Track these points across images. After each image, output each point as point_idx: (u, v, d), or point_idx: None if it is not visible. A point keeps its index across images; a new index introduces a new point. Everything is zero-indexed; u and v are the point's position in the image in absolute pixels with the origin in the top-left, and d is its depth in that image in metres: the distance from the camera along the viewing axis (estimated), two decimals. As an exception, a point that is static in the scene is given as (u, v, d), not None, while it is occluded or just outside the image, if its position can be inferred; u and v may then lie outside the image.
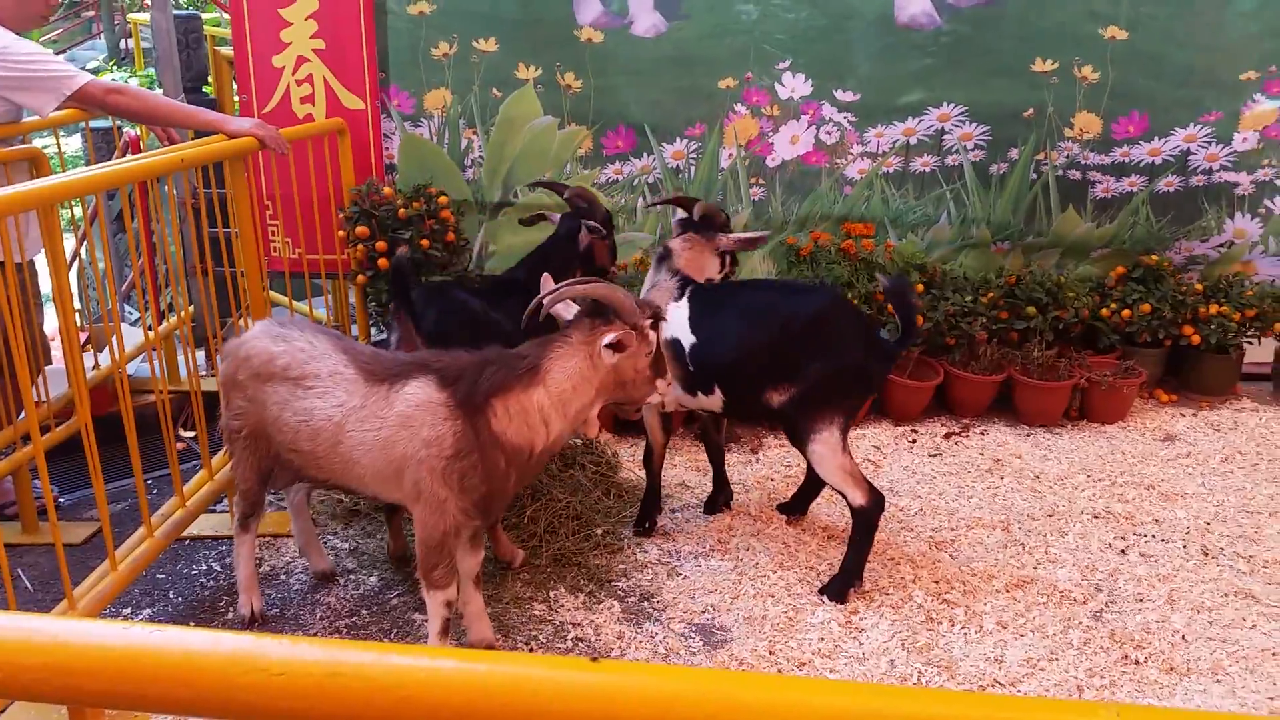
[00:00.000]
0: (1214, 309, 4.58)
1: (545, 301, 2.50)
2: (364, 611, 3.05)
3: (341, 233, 4.19)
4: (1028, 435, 4.38)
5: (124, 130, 4.94)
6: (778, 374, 3.04)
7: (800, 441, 3.07)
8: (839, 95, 4.52)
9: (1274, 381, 4.91)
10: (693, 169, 4.62)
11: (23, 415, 3.14)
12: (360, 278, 4.18)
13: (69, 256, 4.48)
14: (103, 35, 14.09)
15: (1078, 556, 3.37)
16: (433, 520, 2.48)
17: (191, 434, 4.37)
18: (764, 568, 3.28)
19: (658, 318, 2.55)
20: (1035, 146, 4.61)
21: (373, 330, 4.40)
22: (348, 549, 3.39)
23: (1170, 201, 4.70)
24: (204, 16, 7.72)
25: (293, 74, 4.31)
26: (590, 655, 2.77)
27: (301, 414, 2.55)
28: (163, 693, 0.75)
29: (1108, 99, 4.51)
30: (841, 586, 3.09)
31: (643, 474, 3.59)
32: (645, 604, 3.08)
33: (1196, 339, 4.59)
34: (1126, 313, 4.60)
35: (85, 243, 4.67)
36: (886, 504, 3.16)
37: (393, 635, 2.94)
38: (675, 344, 3.20)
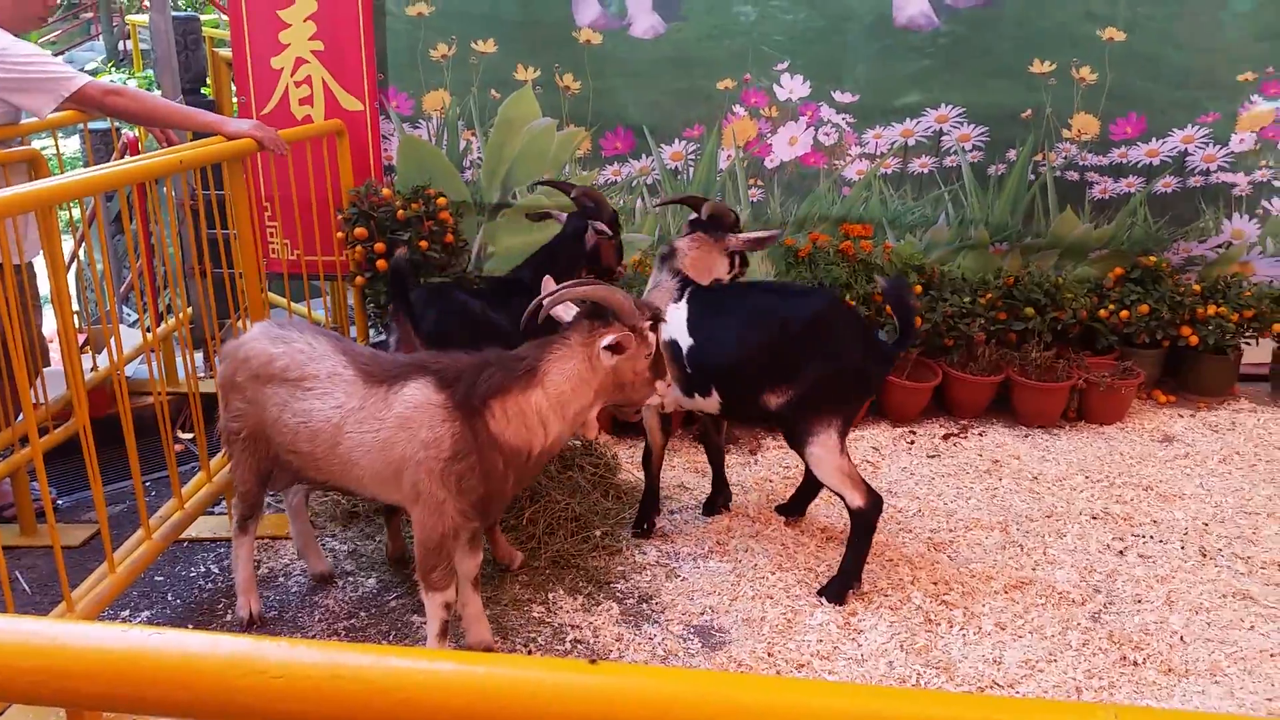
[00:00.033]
0: (1212, 310, 4.58)
1: (545, 303, 2.50)
2: (362, 613, 3.05)
3: (340, 234, 4.19)
4: (1026, 436, 4.38)
5: (122, 132, 4.94)
6: (775, 376, 3.04)
7: (798, 444, 3.07)
8: (837, 96, 4.53)
9: (1272, 382, 4.91)
10: (691, 170, 4.63)
11: (21, 417, 3.13)
12: (359, 279, 4.18)
13: (67, 258, 4.48)
14: (101, 36, 14.09)
15: (1076, 558, 3.37)
16: (431, 522, 2.48)
17: (190, 436, 4.37)
18: (762, 569, 3.28)
19: (657, 319, 2.55)
20: (1033, 148, 4.61)
21: (371, 331, 4.40)
22: (346, 551, 3.39)
23: (1168, 202, 4.71)
24: (202, 18, 7.72)
25: (291, 75, 4.31)
26: (589, 657, 2.77)
27: (300, 415, 2.55)
28: (161, 695, 0.75)
29: (1105, 100, 4.52)
30: (840, 588, 3.09)
31: (641, 476, 3.59)
32: (644, 606, 3.08)
33: (1194, 340, 4.60)
34: (1125, 314, 4.61)
35: (83, 244, 4.67)
36: (885, 505, 3.16)
37: (391, 637, 2.94)
38: (673, 346, 3.20)
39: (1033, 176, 4.67)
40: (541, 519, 3.40)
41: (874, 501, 3.04)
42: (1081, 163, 4.63)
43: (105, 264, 3.91)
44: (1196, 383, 4.77)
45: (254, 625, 2.93)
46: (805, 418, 3.02)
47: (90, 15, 15.17)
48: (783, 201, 4.68)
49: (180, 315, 3.91)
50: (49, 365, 3.68)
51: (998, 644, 2.89)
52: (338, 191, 4.19)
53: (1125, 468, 4.06)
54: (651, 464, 3.46)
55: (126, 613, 3.07)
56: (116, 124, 4.79)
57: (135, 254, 4.07)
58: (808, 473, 3.42)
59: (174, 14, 4.88)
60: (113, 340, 2.91)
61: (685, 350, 3.20)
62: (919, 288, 4.48)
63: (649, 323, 2.51)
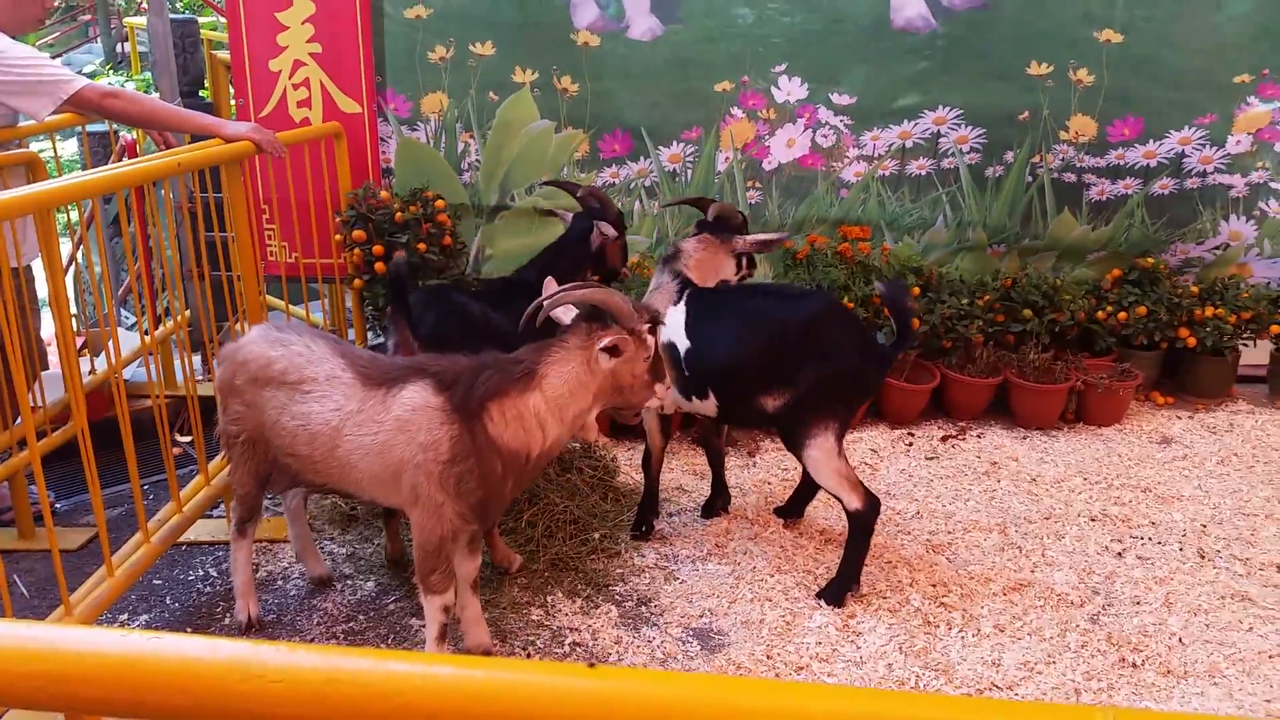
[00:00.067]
0: (1209, 311, 4.59)
1: (543, 306, 2.50)
2: (361, 617, 3.05)
3: (338, 237, 4.19)
4: (1024, 438, 4.39)
5: (120, 134, 4.94)
6: (772, 379, 3.03)
7: (795, 446, 3.07)
8: (835, 99, 4.53)
9: (1269, 384, 4.92)
10: (689, 172, 4.63)
11: (19, 421, 3.13)
12: (357, 281, 4.18)
13: (65, 261, 4.47)
14: (99, 39, 14.08)
15: (1075, 559, 3.37)
16: (430, 525, 2.48)
17: (188, 439, 4.36)
18: (761, 572, 3.28)
19: (656, 322, 2.55)
20: (1031, 149, 4.62)
21: (370, 334, 4.40)
22: (344, 554, 3.39)
23: (1165, 204, 4.71)
24: (201, 20, 7.72)
25: (289, 78, 4.31)
26: (588, 660, 2.77)
27: (299, 418, 2.55)
28: (160, 700, 0.75)
29: (1103, 102, 4.53)
30: (838, 590, 3.09)
31: (640, 478, 3.58)
32: (643, 608, 3.08)
33: (1192, 341, 4.60)
34: (1123, 315, 4.61)
35: (81, 247, 4.67)
36: (883, 507, 3.16)
37: (390, 640, 2.93)
38: (671, 348, 3.20)
39: (1030, 178, 4.67)
40: (540, 521, 3.40)
41: (871, 504, 3.04)
42: (1079, 164, 4.64)
43: (103, 267, 3.91)
44: (1194, 384, 4.77)
45: (252, 629, 2.93)
46: (802, 420, 3.01)
47: (88, 18, 15.17)
48: (780, 203, 4.69)
49: (178, 318, 3.91)
50: (47, 368, 3.68)
51: (996, 646, 2.89)
52: (336, 194, 4.19)
53: (1123, 469, 4.07)
54: (651, 466, 3.46)
55: (125, 616, 3.07)
56: (114, 127, 4.79)
57: (133, 257, 4.06)
58: (805, 474, 3.42)
59: (172, 16, 4.88)
60: (111, 343, 2.91)
61: (683, 353, 3.20)
62: (917, 289, 4.48)
63: (647, 326, 2.51)
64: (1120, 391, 4.46)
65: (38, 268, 3.25)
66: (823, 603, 3.08)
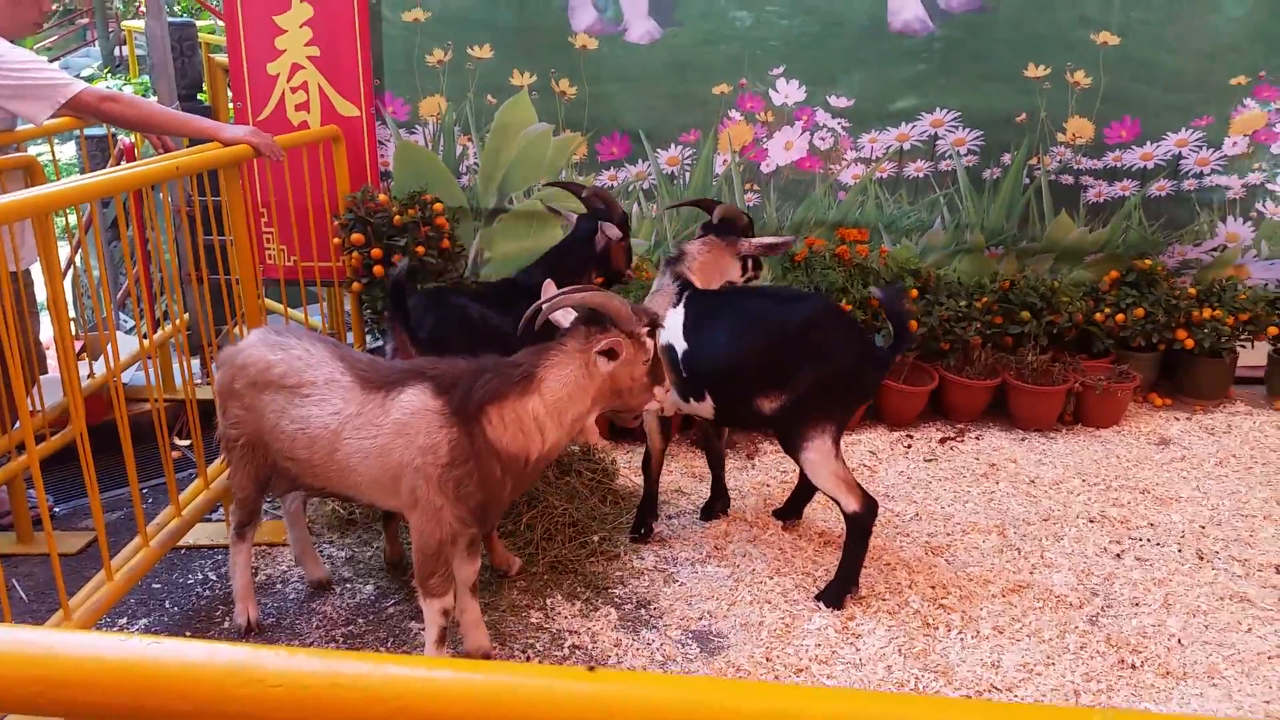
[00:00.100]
0: (1207, 313, 4.60)
1: (542, 309, 2.50)
2: (360, 620, 3.04)
3: (336, 240, 4.19)
4: (1022, 440, 4.39)
5: (119, 138, 4.94)
6: (768, 382, 3.04)
7: (793, 449, 3.07)
8: (833, 101, 4.54)
9: (1267, 385, 4.93)
10: (687, 175, 4.63)
11: (18, 425, 3.13)
12: (355, 285, 4.18)
13: (64, 265, 4.47)
14: (97, 42, 14.09)
15: (1073, 561, 3.37)
16: (429, 528, 2.48)
17: (187, 442, 4.36)
18: (760, 574, 3.28)
19: (655, 325, 2.55)
20: (1028, 151, 4.63)
21: (368, 337, 4.40)
22: (344, 557, 3.39)
23: (1163, 206, 4.72)
24: (199, 24, 7.72)
25: (287, 81, 4.32)
26: (587, 664, 2.77)
27: (298, 422, 2.55)
28: (160, 705, 0.75)
29: (1100, 104, 4.53)
30: (837, 592, 3.09)
31: (639, 481, 3.58)
32: (642, 611, 3.08)
33: (1190, 343, 4.61)
34: (1120, 317, 4.62)
35: (80, 251, 4.67)
36: (882, 509, 3.16)
37: (389, 644, 2.93)
38: (670, 350, 3.20)
39: (1028, 180, 4.68)
40: (539, 524, 3.40)
41: (869, 506, 3.04)
42: (1076, 166, 4.65)
43: (102, 270, 3.91)
44: (1192, 386, 4.78)
45: (252, 632, 2.92)
46: (799, 422, 3.02)
47: (86, 21, 15.18)
48: (779, 206, 4.69)
49: (177, 322, 3.91)
50: (46, 372, 3.68)
51: (996, 648, 2.89)
52: (334, 197, 4.19)
53: (1122, 471, 4.07)
54: (651, 468, 3.46)
55: (124, 620, 3.06)
56: (113, 130, 4.79)
57: (132, 260, 4.06)
58: (802, 476, 3.42)
59: (170, 20, 4.88)
60: (109, 347, 2.91)
61: (680, 354, 3.20)
62: (915, 292, 4.48)
63: (646, 329, 2.51)
64: (1118, 393, 4.46)
65: (36, 271, 3.25)
66: (822, 605, 3.08)
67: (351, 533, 3.53)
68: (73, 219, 4.41)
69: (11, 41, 3.18)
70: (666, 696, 0.74)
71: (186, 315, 4.35)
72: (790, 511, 3.62)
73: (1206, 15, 4.42)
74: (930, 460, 4.18)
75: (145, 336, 3.45)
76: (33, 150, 3.76)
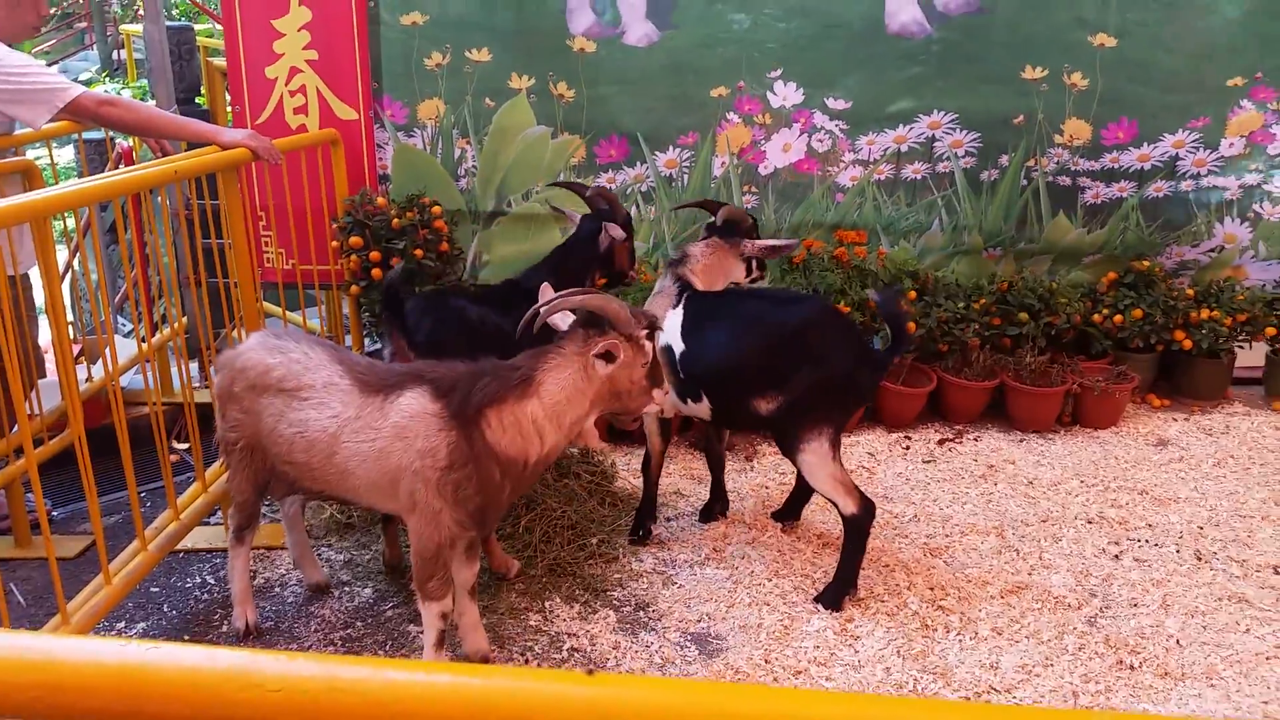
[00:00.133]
0: (1205, 314, 4.60)
1: (541, 312, 2.50)
2: (359, 624, 3.04)
3: (335, 243, 4.19)
4: (1021, 441, 4.39)
5: (117, 142, 4.94)
6: (764, 383, 3.04)
7: (790, 451, 3.07)
8: (830, 103, 4.55)
9: (1265, 385, 4.93)
10: (686, 177, 4.64)
11: (16, 429, 3.13)
12: (354, 288, 4.18)
13: (62, 268, 4.47)
14: (95, 46, 14.09)
15: (1072, 562, 3.37)
16: (428, 531, 2.48)
17: (185, 446, 4.36)
18: (759, 576, 3.28)
19: (653, 328, 2.55)
20: (1025, 153, 4.63)
21: (366, 340, 4.40)
22: (342, 561, 3.39)
23: (1160, 207, 4.73)
24: (197, 27, 7.72)
25: (286, 85, 4.32)
26: (586, 667, 2.77)
27: (296, 425, 2.55)
28: (158, 710, 0.75)
29: (1097, 105, 4.54)
30: (836, 594, 3.09)
31: (637, 483, 3.58)
32: (641, 613, 3.08)
33: (1188, 344, 4.61)
34: (1118, 318, 4.62)
35: (78, 254, 4.67)
36: (880, 511, 3.16)
37: (388, 647, 2.93)
38: (668, 351, 3.21)
39: (1025, 182, 4.69)
40: (538, 527, 3.40)
41: (866, 508, 3.04)
42: (1074, 168, 4.66)
43: (100, 274, 3.91)
44: (1190, 387, 4.79)
45: (250, 636, 2.92)
46: (796, 424, 3.02)
47: (84, 25, 15.17)
48: (777, 208, 4.70)
49: (175, 325, 3.91)
50: (44, 376, 3.67)
51: (994, 649, 2.89)
52: (332, 200, 4.19)
53: (1120, 472, 4.07)
54: (650, 470, 3.46)
55: (122, 624, 3.06)
56: (111, 134, 4.79)
57: (130, 264, 4.06)
58: (799, 477, 3.43)
59: (168, 24, 4.88)
60: (108, 351, 2.91)
61: (678, 355, 3.21)
62: (913, 294, 4.49)
63: (645, 331, 2.51)
64: (1116, 394, 4.46)
65: (34, 275, 3.25)
66: (820, 607, 3.08)
67: (350, 536, 3.53)
68: (71, 223, 4.41)
69: (9, 45, 3.19)
70: (665, 700, 0.74)
71: (185, 319, 4.35)
72: (789, 513, 3.62)
73: (1203, 17, 4.43)
74: (929, 462, 4.18)
75: (143, 340, 3.44)
76: (31, 154, 3.76)
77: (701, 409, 3.24)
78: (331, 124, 4.31)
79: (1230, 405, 4.77)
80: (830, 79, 4.52)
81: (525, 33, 4.40)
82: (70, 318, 4.74)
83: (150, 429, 3.01)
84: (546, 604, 3.09)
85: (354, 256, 4.09)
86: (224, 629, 3.02)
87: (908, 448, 4.32)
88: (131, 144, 4.73)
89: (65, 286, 4.39)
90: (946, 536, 3.54)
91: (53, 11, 14.36)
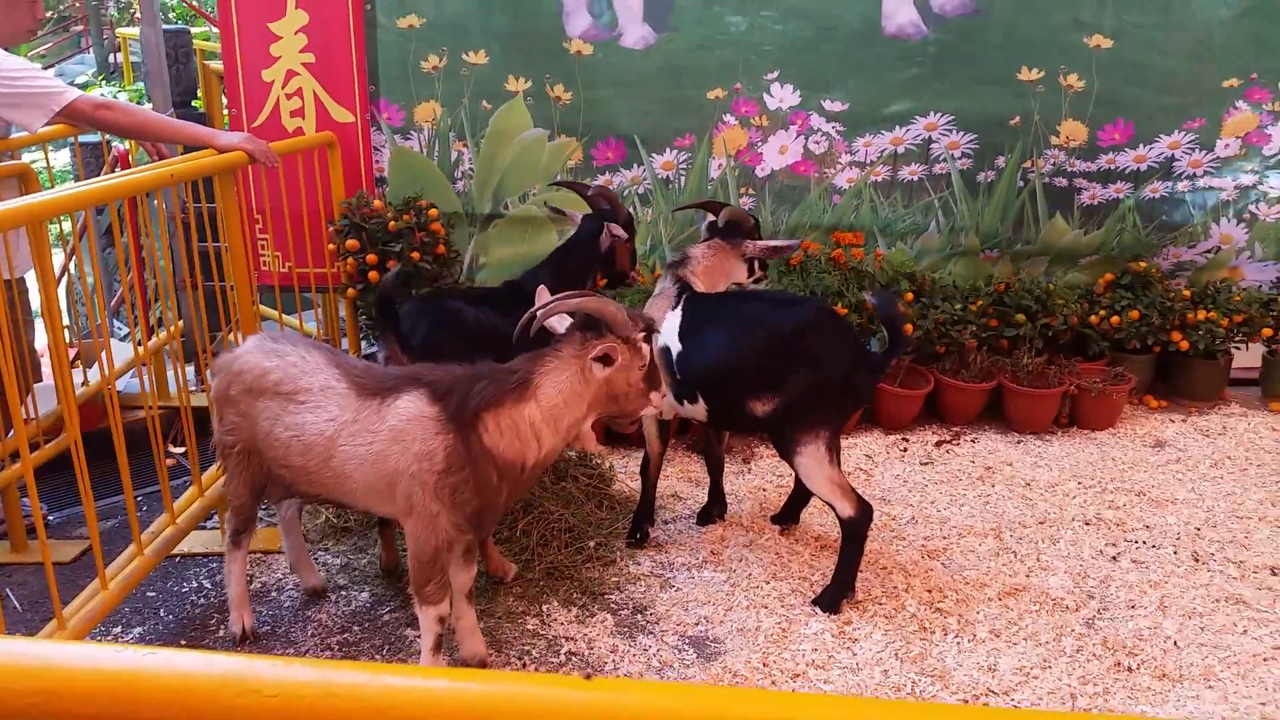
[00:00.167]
0: (1202, 315, 4.61)
1: (537, 315, 2.50)
2: (356, 628, 3.04)
3: (331, 246, 4.18)
4: (1018, 443, 4.40)
5: (113, 145, 4.94)
6: (759, 385, 3.04)
7: (786, 453, 3.07)
8: (827, 105, 4.55)
9: (1262, 386, 4.94)
10: (683, 179, 4.64)
11: (12, 433, 3.12)
12: (350, 291, 4.18)
13: (58, 272, 4.46)
14: (91, 50, 14.08)
15: (1069, 564, 3.38)
16: (425, 535, 2.48)
17: (181, 450, 4.35)
18: (757, 579, 3.28)
19: (650, 331, 2.55)
20: (1022, 154, 4.64)
21: (363, 343, 4.39)
22: (339, 565, 3.38)
23: (1156, 208, 4.74)
24: (193, 31, 7.72)
25: (282, 88, 4.32)
26: (584, 671, 2.77)
27: (293, 429, 2.55)
28: (155, 716, 0.74)
29: (1093, 107, 4.55)
30: (834, 597, 3.08)
31: (635, 486, 3.58)
32: (638, 617, 3.08)
33: (1185, 345, 4.62)
34: (1115, 319, 4.63)
35: (74, 258, 4.66)
36: (878, 513, 3.16)
37: (385, 651, 2.93)
38: (666, 352, 3.21)
39: (1022, 183, 4.70)
40: (535, 530, 3.40)
41: (864, 510, 3.04)
42: (1070, 169, 4.67)
43: (96, 278, 3.90)
44: (1187, 388, 4.79)
45: (247, 640, 2.92)
46: (793, 426, 3.02)
47: (80, 28, 15.16)
48: (774, 210, 4.70)
49: (171, 329, 3.90)
50: (40, 380, 3.67)
51: (992, 651, 2.89)
52: (329, 203, 4.19)
53: (1117, 473, 4.08)
54: (649, 472, 3.46)
55: (119, 629, 3.05)
56: (107, 137, 4.79)
57: (126, 268, 4.06)
58: (798, 480, 3.43)
59: (165, 27, 4.88)
60: (104, 354, 2.90)
61: (675, 357, 3.21)
62: (910, 295, 4.49)
63: (642, 334, 2.51)
64: (1113, 395, 4.47)
65: (30, 279, 3.24)
66: (818, 609, 3.08)
67: (347, 540, 3.52)
68: (67, 226, 4.40)
69: (5, 49, 3.18)
70: (663, 705, 0.73)
71: (181, 322, 4.35)
72: (787, 516, 3.62)
73: (1198, 18, 4.44)
74: (926, 463, 4.19)
75: (140, 344, 3.44)
76: (27, 157, 3.76)
77: (698, 410, 3.24)
78: (328, 127, 4.31)
79: (1227, 406, 4.78)
80: (827, 81, 4.53)
81: (522, 35, 4.40)
82: (66, 321, 4.74)
83: (146, 433, 3.01)
84: (544, 607, 3.09)
85: (350, 259, 4.08)
86: (220, 633, 3.01)
87: (905, 450, 4.32)
88: (128, 147, 4.72)
89: (61, 290, 4.38)
90: (944, 538, 3.54)
91: (49, 15, 14.36)
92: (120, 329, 5.50)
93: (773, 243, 3.54)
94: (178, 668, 0.75)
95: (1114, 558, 3.42)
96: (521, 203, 4.59)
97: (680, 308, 3.26)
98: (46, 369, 4.03)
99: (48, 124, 3.15)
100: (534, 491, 3.51)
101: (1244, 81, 4.52)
